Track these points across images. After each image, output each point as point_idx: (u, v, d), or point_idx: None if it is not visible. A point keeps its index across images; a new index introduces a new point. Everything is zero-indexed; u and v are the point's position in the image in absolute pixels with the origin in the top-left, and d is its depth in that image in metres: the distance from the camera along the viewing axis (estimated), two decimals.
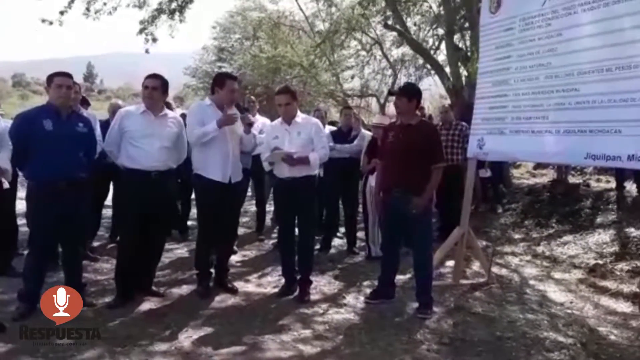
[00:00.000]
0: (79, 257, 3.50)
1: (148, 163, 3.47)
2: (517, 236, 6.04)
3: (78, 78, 3.90)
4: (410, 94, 3.52)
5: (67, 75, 3.33)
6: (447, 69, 8.54)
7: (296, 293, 3.81)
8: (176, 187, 4.00)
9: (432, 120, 7.59)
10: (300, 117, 3.80)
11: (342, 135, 5.28)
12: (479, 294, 3.95)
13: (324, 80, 14.22)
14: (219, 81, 3.67)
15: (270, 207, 6.95)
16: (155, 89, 3.52)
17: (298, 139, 3.71)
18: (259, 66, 14.14)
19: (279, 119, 3.88)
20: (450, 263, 4.60)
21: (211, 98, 3.71)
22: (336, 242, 5.61)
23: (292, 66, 13.33)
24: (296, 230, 3.88)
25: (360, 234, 5.48)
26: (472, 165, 4.29)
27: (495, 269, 4.49)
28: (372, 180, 4.74)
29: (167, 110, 3.67)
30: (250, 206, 7.84)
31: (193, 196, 6.07)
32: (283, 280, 3.98)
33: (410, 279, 4.13)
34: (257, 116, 5.57)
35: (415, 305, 3.54)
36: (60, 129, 3.25)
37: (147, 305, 3.53)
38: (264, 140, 4.03)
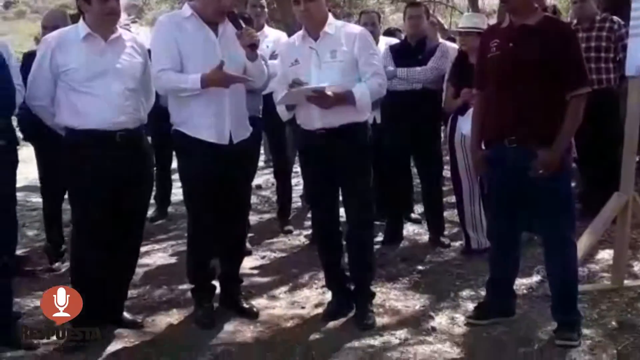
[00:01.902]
0: (1, 275, 3.60)
1: (109, 118, 3.51)
2: None
3: None
4: None
5: None
6: None
7: (351, 314, 3.88)
8: (150, 151, 4.07)
9: (560, 17, 7.37)
10: (333, 25, 3.77)
11: (408, 52, 5.21)
12: None
13: None
14: None
15: (297, 178, 7.03)
16: None
17: (333, 63, 3.69)
18: None
19: (299, 32, 3.86)
20: (606, 253, 4.55)
21: (192, 5, 3.70)
22: (410, 228, 5.63)
23: None
24: (342, 212, 3.90)
25: (450, 214, 5.46)
26: (636, 89, 4.16)
27: None
28: (463, 125, 4.67)
29: (120, 30, 3.70)
30: (264, 177, 7.93)
31: (174, 165, 6.25)
32: (328, 295, 4.04)
33: (540, 282, 4.13)
34: (266, 29, 5.57)
35: (553, 325, 3.53)
36: None
37: (120, 343, 3.64)
38: (278, 70, 4.02)
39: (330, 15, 3.80)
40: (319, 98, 3.59)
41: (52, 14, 5.16)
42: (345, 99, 3.63)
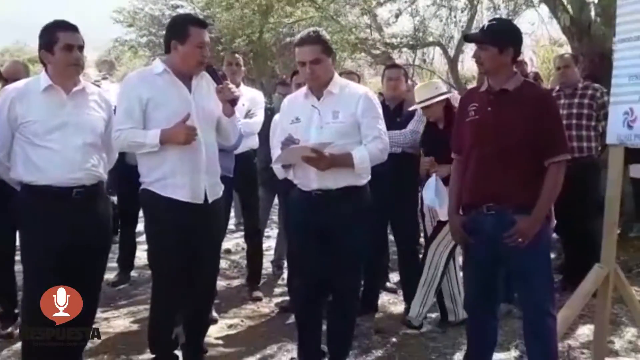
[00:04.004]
0: None
1: (64, 174, 3.52)
2: None
3: None
4: (502, 38, 3.48)
5: None
6: None
7: None
8: (109, 210, 4.03)
9: (540, 83, 7.55)
10: (337, 84, 3.78)
11: (387, 115, 5.16)
12: None
13: (351, 23, 14.25)
14: (178, 31, 3.66)
15: (268, 243, 6.99)
16: (81, 50, 3.58)
17: (334, 124, 3.70)
18: (239, 5, 14.27)
19: (303, 89, 3.89)
20: (587, 328, 4.56)
21: (165, 60, 3.73)
22: (385, 298, 5.59)
23: (294, 2, 13.41)
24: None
25: None
26: (617, 158, 4.22)
27: None
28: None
29: (83, 82, 3.73)
30: (234, 241, 7.87)
31: (140, 227, 6.19)
32: None
33: (518, 358, 4.11)
34: (242, 87, 5.61)
35: None
36: None
37: None
38: (277, 126, 4.05)
39: (335, 74, 3.82)
40: (316, 159, 3.56)
41: (13, 66, 5.18)
42: (343, 161, 3.62)
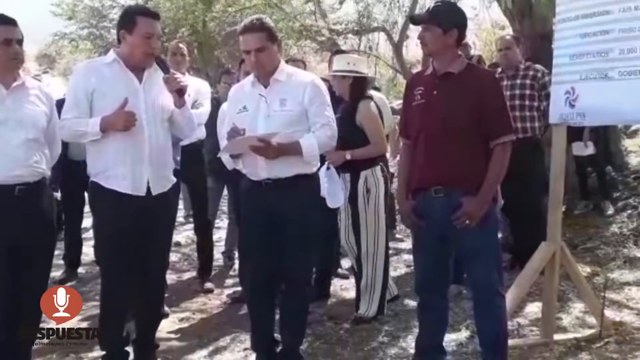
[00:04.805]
0: None
1: (6, 172, 3.44)
2: None
3: None
4: (445, 20, 3.48)
5: None
6: None
7: None
8: (53, 207, 3.96)
9: (484, 66, 7.63)
10: (285, 72, 3.76)
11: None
12: (587, 356, 3.96)
13: (295, 9, 14.21)
14: (126, 21, 3.63)
15: (218, 234, 6.95)
16: (20, 44, 3.51)
17: (282, 112, 3.68)
18: None
19: (249, 77, 3.85)
20: (535, 306, 4.62)
21: (117, 50, 3.70)
22: (337, 284, 5.61)
23: None
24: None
25: None
26: (560, 137, 4.30)
27: (610, 312, 4.51)
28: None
29: (23, 77, 3.66)
30: (184, 233, 7.80)
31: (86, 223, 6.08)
32: (251, 358, 3.99)
33: (469, 338, 4.15)
34: (187, 78, 5.54)
35: None
36: None
37: None
38: (226, 116, 4.01)
39: (282, 62, 3.79)
40: (263, 148, 3.54)
41: None
42: (291, 149, 3.60)
